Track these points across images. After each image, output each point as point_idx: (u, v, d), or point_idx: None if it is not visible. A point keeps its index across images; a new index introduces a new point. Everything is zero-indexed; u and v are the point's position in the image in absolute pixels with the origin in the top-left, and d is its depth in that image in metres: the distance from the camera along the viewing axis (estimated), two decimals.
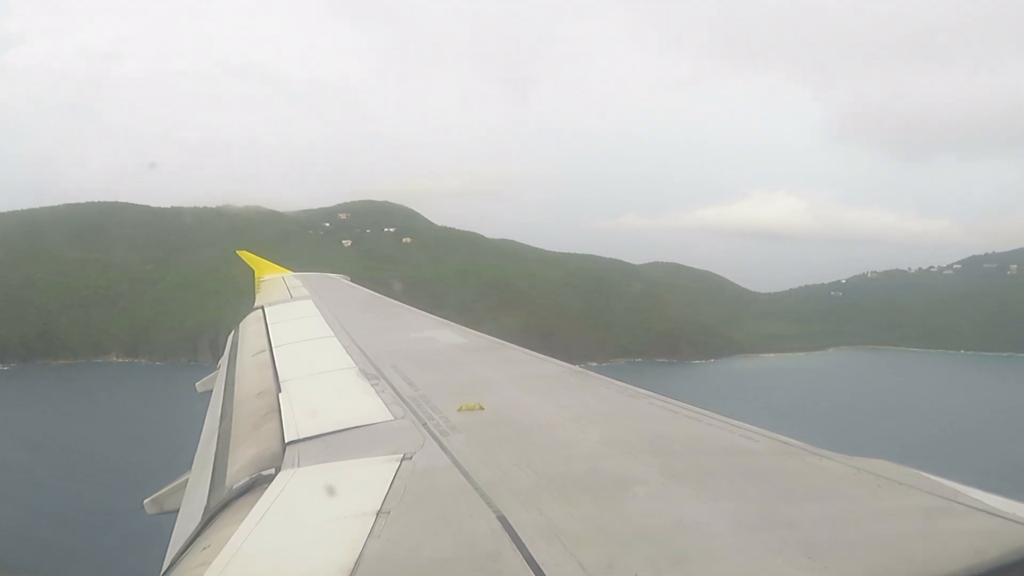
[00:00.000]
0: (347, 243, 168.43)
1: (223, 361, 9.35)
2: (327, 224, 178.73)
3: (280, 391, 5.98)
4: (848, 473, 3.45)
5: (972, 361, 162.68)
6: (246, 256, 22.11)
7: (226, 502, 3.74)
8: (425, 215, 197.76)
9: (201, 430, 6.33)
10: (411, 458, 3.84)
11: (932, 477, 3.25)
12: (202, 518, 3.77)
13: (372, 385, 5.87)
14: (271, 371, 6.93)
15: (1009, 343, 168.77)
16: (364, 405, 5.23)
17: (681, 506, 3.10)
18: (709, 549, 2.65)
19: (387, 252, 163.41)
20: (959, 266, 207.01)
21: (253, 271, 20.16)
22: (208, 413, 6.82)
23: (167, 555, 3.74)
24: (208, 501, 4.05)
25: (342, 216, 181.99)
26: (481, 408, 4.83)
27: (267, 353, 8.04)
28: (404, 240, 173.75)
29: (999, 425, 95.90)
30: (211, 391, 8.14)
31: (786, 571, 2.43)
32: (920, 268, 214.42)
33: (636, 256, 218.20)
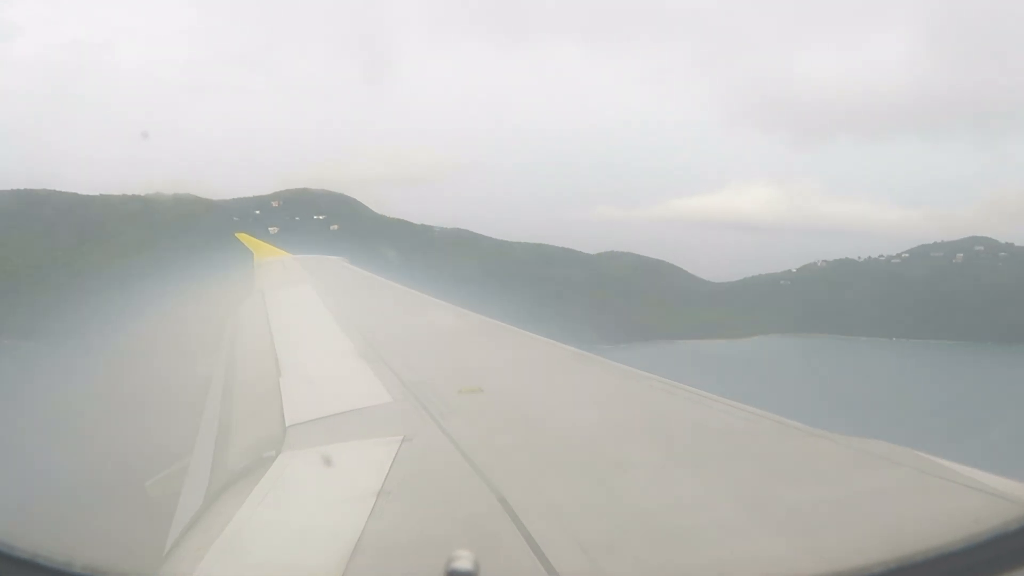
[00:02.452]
0: (273, 230, 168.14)
1: (223, 344, 9.43)
2: (257, 212, 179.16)
3: (280, 374, 6.02)
4: (846, 454, 3.49)
5: (898, 348, 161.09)
6: (244, 239, 21.54)
7: (228, 484, 3.74)
8: (367, 204, 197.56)
9: (202, 413, 6.38)
10: (411, 440, 3.88)
11: (928, 457, 3.25)
12: (204, 500, 3.76)
13: (372, 368, 5.88)
14: (271, 354, 7.01)
15: (940, 331, 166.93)
16: (364, 387, 5.29)
17: (679, 486, 3.16)
18: (707, 529, 2.64)
19: (313, 240, 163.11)
20: (907, 255, 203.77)
21: (252, 253, 19.88)
22: (209, 396, 6.88)
23: (169, 536, 3.75)
24: (210, 483, 4.10)
25: (274, 204, 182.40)
26: (481, 390, 4.91)
27: (267, 336, 8.12)
28: (332, 227, 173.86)
29: (889, 412, 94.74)
30: (211, 374, 8.17)
31: (784, 549, 2.43)
32: (869, 257, 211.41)
33: (607, 246, 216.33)
